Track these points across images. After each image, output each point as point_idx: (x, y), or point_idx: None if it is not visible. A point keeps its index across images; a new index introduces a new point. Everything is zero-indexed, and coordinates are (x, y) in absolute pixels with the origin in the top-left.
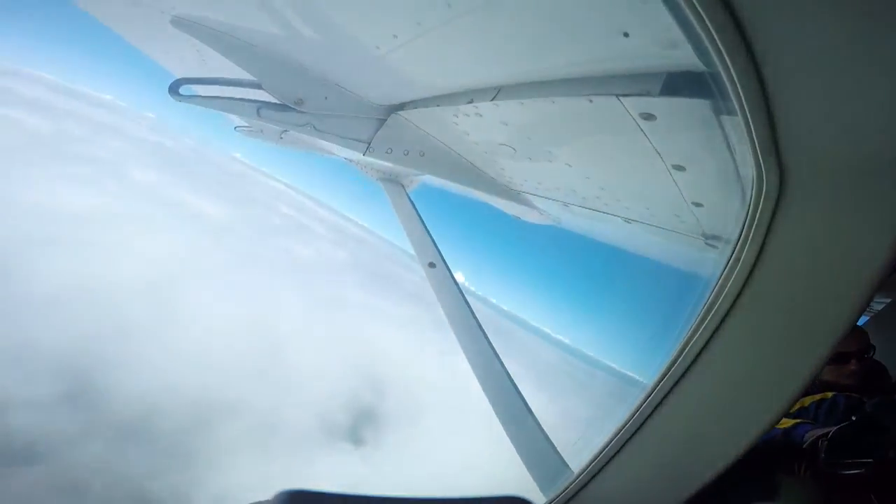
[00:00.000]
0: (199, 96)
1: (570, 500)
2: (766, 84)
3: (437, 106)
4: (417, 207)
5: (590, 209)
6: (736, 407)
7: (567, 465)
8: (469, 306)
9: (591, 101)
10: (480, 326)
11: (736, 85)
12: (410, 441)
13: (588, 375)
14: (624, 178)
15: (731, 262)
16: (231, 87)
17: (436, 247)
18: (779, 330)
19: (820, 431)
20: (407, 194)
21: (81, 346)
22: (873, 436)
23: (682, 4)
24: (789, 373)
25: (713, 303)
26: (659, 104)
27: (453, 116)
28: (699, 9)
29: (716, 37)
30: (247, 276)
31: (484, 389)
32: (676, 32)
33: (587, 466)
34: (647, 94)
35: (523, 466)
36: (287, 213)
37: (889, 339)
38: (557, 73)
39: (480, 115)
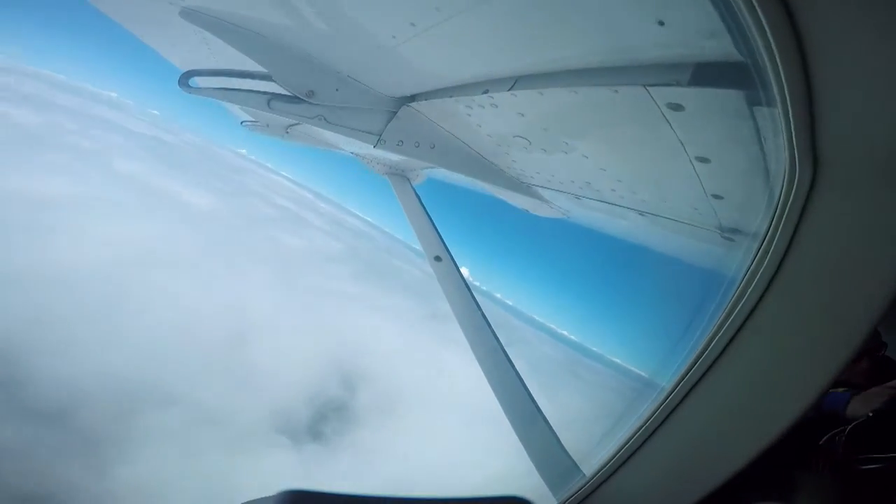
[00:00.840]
0: (210, 88)
1: (583, 500)
2: (811, 75)
3: (451, 97)
4: (423, 201)
5: (603, 202)
6: (758, 406)
7: (577, 466)
8: (476, 301)
9: (616, 91)
10: (487, 321)
11: (780, 73)
12: (394, 439)
13: (595, 373)
14: (643, 170)
15: (758, 255)
16: (241, 80)
17: (442, 241)
18: (806, 325)
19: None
20: (413, 188)
21: (28, 333)
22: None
23: None
24: (815, 369)
25: (738, 298)
26: (687, 94)
27: (466, 108)
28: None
29: (765, 24)
30: (223, 264)
31: (491, 385)
32: (716, 21)
33: (601, 469)
34: (677, 83)
35: (530, 463)
36: (283, 205)
37: None
38: (582, 62)
39: (496, 106)
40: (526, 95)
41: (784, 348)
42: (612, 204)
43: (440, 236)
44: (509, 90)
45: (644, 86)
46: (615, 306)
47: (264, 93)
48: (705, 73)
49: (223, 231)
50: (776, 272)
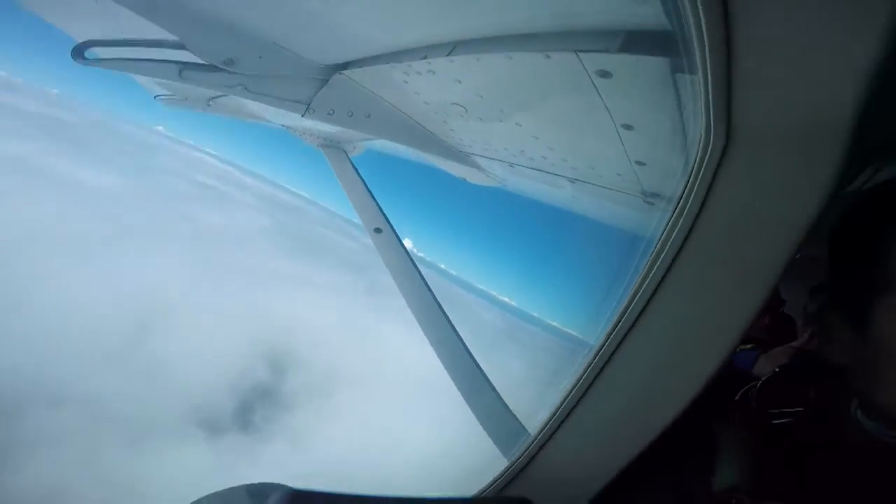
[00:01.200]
0: (110, 59)
1: (530, 461)
2: (732, 45)
3: (387, 63)
4: (363, 173)
5: (536, 170)
6: (681, 358)
7: (525, 429)
8: (419, 271)
9: (548, 56)
10: (431, 291)
11: (704, 42)
12: (338, 418)
13: (535, 337)
14: (572, 137)
15: (674, 216)
16: (149, 49)
17: (382, 212)
18: (718, 281)
19: (765, 364)
20: (350, 160)
21: None
22: (798, 386)
23: None
24: (729, 323)
25: (656, 257)
26: (616, 61)
27: (403, 75)
28: None
29: None
30: (131, 248)
31: (437, 354)
32: None
33: (543, 428)
34: (606, 50)
35: (481, 429)
36: (204, 182)
37: (795, 291)
38: (518, 26)
39: (433, 73)
40: (463, 61)
41: (699, 305)
42: (545, 171)
43: (380, 208)
44: (447, 55)
45: (575, 52)
46: (553, 272)
47: (175, 62)
48: (635, 41)
49: (130, 213)
50: (689, 233)
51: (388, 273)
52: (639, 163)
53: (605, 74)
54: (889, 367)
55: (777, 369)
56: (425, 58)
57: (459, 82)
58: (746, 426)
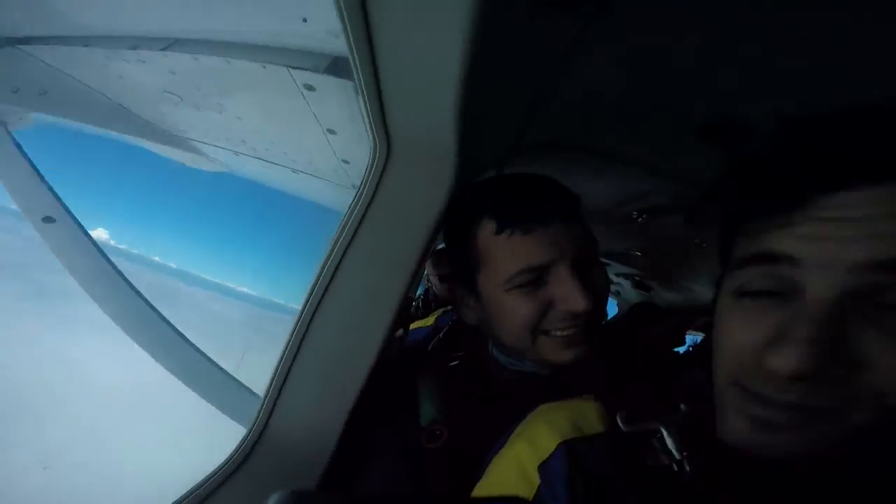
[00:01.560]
0: None
1: (266, 423)
2: (379, 72)
3: (86, 46)
4: (30, 150)
5: (261, 159)
6: (366, 320)
7: (258, 396)
8: (111, 264)
9: (264, 67)
10: (129, 283)
11: (359, 71)
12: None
13: (278, 323)
14: (290, 135)
15: (352, 205)
16: None
17: (56, 197)
18: (382, 257)
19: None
20: (10, 135)
21: None
22: (462, 334)
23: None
24: (390, 293)
25: (337, 238)
26: (320, 79)
27: (105, 59)
28: (343, 8)
29: (349, 31)
30: None
31: (150, 352)
32: (338, 24)
33: (268, 390)
34: (315, 69)
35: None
36: None
37: None
38: (237, 36)
39: (143, 62)
40: (179, 57)
41: (372, 276)
42: (269, 161)
43: (53, 192)
44: (163, 50)
45: (287, 67)
46: (290, 259)
47: None
48: (336, 65)
49: None
50: (361, 221)
51: (64, 271)
52: (345, 161)
53: (311, 88)
54: (499, 320)
55: (451, 323)
56: (136, 48)
57: (174, 73)
58: (435, 371)
